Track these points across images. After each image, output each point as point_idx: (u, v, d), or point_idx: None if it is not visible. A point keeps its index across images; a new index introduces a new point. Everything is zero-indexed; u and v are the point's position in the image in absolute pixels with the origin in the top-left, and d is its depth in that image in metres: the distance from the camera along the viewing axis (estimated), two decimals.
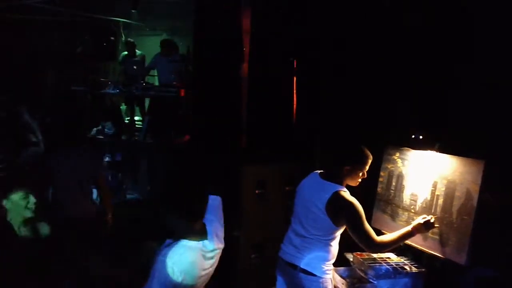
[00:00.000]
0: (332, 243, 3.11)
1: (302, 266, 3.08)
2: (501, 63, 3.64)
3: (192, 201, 2.72)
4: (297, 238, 3.16)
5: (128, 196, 7.56)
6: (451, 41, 3.94)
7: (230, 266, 4.27)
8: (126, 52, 9.86)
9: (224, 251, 2.97)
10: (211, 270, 2.78)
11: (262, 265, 4.43)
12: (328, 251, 3.10)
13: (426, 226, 3.09)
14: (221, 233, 2.86)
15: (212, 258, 2.73)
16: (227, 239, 3.02)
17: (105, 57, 10.39)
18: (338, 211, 3.00)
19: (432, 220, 3.10)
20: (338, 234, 3.13)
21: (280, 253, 3.28)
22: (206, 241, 2.70)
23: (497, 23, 3.67)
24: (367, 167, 3.17)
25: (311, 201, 3.09)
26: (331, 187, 3.05)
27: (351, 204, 2.99)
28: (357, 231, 2.98)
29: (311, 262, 3.08)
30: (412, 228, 3.10)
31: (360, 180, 3.19)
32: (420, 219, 3.12)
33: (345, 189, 3.08)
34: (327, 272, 3.12)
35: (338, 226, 3.05)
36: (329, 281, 3.13)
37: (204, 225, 2.74)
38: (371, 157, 3.17)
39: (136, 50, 9.81)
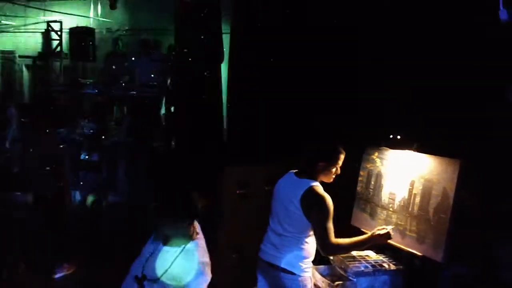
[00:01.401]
0: (308, 240, 3.12)
1: (282, 266, 3.10)
2: (476, 68, 3.72)
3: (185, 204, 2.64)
4: (276, 237, 3.18)
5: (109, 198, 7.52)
6: (427, 45, 4.01)
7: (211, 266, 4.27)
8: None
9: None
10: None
11: (243, 265, 4.44)
12: (305, 249, 3.11)
13: (385, 237, 3.15)
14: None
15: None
16: (209, 240, 3.02)
17: (84, 57, 10.29)
18: (310, 205, 3.03)
19: (390, 231, 3.15)
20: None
21: (260, 253, 3.29)
22: (189, 245, 2.62)
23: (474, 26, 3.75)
24: (340, 163, 3.20)
25: (287, 199, 3.12)
26: (305, 183, 3.09)
27: (323, 198, 3.03)
28: (320, 226, 3.00)
29: (291, 260, 3.09)
30: (369, 237, 3.16)
31: (334, 176, 3.22)
32: (377, 230, 3.18)
33: (318, 184, 3.12)
34: (306, 270, 3.13)
35: (312, 222, 3.07)
36: (309, 279, 3.15)
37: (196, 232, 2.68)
38: (343, 152, 3.20)
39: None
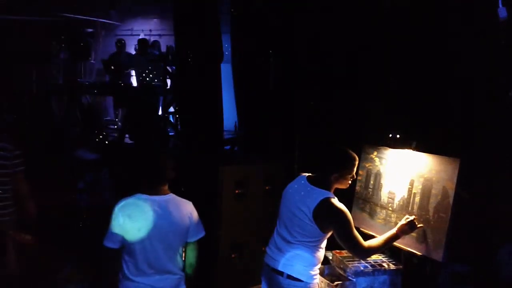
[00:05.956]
0: (319, 248, 3.05)
1: (288, 273, 3.00)
2: (475, 66, 3.72)
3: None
4: (283, 243, 3.07)
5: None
6: (426, 43, 4.01)
7: (211, 266, 4.26)
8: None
9: (204, 251, 2.96)
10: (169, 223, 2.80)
11: (242, 265, 4.43)
12: (315, 256, 3.03)
13: (410, 227, 3.07)
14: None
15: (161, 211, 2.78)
16: (208, 239, 3.01)
17: (82, 57, 10.26)
18: (326, 218, 2.95)
19: (415, 220, 3.09)
20: (325, 239, 3.07)
21: (266, 258, 3.17)
22: (159, 197, 2.81)
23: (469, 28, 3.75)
24: (355, 169, 3.14)
25: (297, 207, 3.02)
26: (319, 194, 2.99)
27: (339, 212, 2.94)
28: (346, 238, 2.94)
29: (298, 268, 3.00)
30: (397, 231, 3.08)
31: (350, 182, 3.15)
32: (403, 221, 3.11)
33: (333, 195, 3.02)
34: (315, 277, 3.05)
35: (325, 233, 3.00)
36: (317, 285, 3.07)
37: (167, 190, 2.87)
38: (357, 159, 3.14)
39: None
